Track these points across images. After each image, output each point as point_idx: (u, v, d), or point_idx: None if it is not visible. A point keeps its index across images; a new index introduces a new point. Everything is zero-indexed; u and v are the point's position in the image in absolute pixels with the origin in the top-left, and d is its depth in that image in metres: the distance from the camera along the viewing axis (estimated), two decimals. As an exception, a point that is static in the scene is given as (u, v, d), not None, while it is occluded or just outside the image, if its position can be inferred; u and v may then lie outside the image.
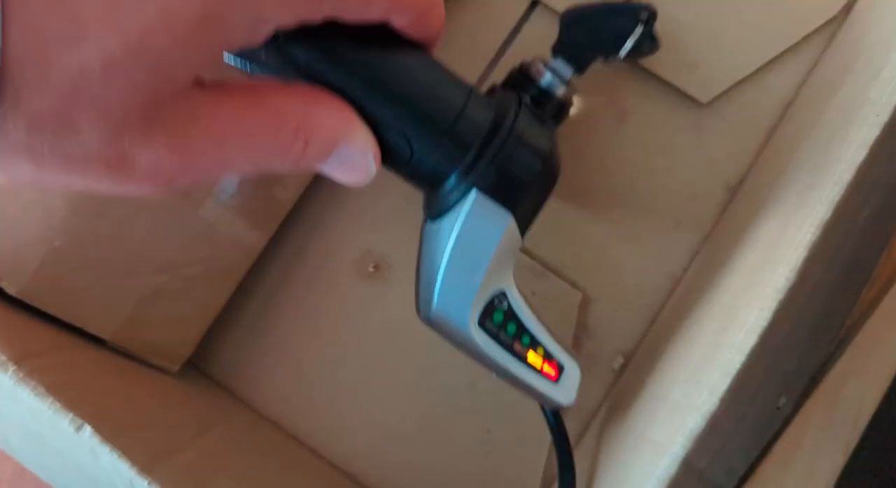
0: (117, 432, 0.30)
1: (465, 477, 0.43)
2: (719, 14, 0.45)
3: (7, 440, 0.35)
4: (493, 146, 0.30)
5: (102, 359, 0.36)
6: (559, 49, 0.36)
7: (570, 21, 0.35)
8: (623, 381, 0.42)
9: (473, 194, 0.30)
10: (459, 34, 0.47)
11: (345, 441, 0.43)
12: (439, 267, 0.31)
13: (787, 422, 0.40)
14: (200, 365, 0.44)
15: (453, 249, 0.31)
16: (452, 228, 0.30)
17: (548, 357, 0.34)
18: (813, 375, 0.41)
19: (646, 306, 0.44)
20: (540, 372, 0.33)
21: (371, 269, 0.44)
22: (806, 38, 0.46)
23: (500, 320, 0.33)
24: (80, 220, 0.34)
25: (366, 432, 0.43)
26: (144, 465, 0.29)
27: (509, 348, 0.33)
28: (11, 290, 0.34)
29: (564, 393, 0.34)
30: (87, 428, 0.29)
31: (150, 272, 0.37)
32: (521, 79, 0.36)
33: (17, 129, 0.19)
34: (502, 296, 0.32)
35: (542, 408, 0.37)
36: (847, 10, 0.46)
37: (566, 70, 0.36)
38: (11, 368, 0.29)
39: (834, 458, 0.40)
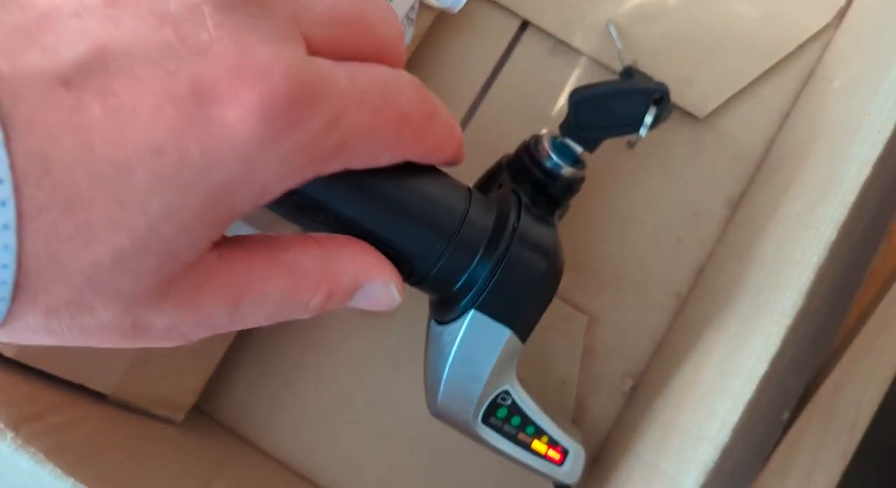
0: (121, 493, 0.29)
1: (478, 509, 0.42)
2: (712, 28, 0.45)
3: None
4: (496, 255, 0.30)
5: (104, 415, 0.35)
6: (568, 130, 0.35)
7: (580, 101, 0.34)
8: (633, 406, 0.41)
9: (471, 314, 0.31)
10: (450, 59, 0.46)
11: (355, 477, 0.43)
12: (442, 374, 0.32)
13: (784, 431, 0.40)
14: (205, 409, 0.44)
15: (454, 361, 0.31)
16: (454, 342, 0.31)
17: (552, 443, 0.35)
18: (809, 383, 0.41)
19: (653, 327, 0.43)
20: (545, 457, 0.35)
21: (372, 303, 0.44)
22: (800, 47, 0.45)
23: (504, 415, 0.34)
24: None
25: (375, 468, 0.43)
26: (150, 527, 0.29)
27: (514, 438, 0.34)
28: (8, 352, 0.33)
29: (570, 474, 0.35)
30: (90, 493, 0.29)
31: (148, 323, 0.36)
32: (528, 158, 0.36)
33: (36, 317, 0.20)
34: (506, 393, 0.33)
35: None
36: (841, 15, 0.45)
37: (575, 150, 0.35)
38: (10, 435, 0.29)
39: (832, 464, 0.40)
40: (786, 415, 0.38)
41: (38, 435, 0.30)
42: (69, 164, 0.19)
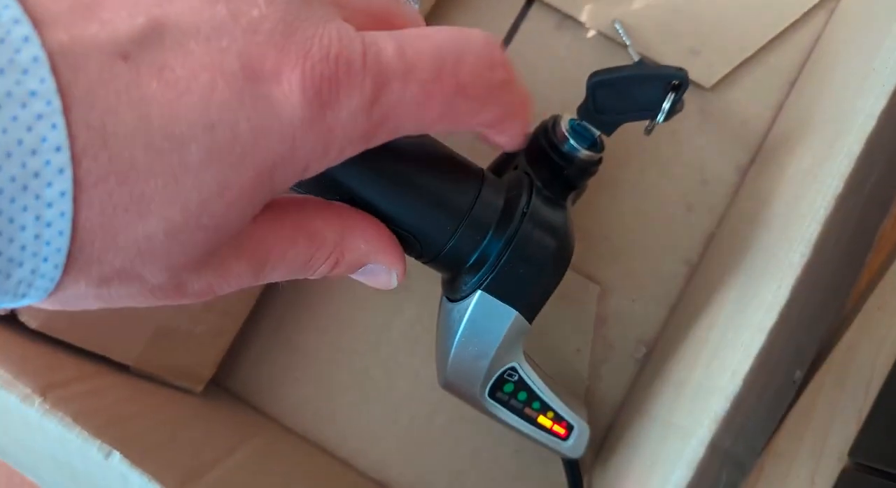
0: (146, 456, 0.30)
1: (496, 475, 0.43)
2: (716, -4, 0.45)
3: (38, 473, 0.35)
4: (504, 237, 0.31)
5: (127, 385, 0.36)
6: (585, 113, 0.35)
7: (598, 85, 0.34)
8: (646, 370, 0.42)
9: (478, 294, 0.31)
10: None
11: (374, 449, 0.43)
12: (450, 349, 0.33)
13: (798, 393, 0.40)
14: (225, 383, 0.45)
15: (461, 338, 0.32)
16: (461, 320, 0.32)
17: (557, 419, 0.36)
18: (822, 345, 0.41)
19: (664, 294, 0.43)
20: (550, 431, 0.36)
21: (387, 277, 0.44)
22: (807, 14, 0.45)
23: (510, 390, 0.35)
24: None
25: (394, 439, 0.43)
26: (175, 486, 0.29)
27: (520, 413, 0.36)
28: (32, 324, 0.34)
29: (574, 448, 0.36)
30: (116, 455, 0.29)
31: (168, 295, 0.37)
32: (545, 141, 0.36)
33: (87, 286, 0.21)
34: (512, 370, 0.34)
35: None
36: (845, -18, 0.45)
37: (592, 133, 0.36)
38: (37, 400, 0.30)
39: (846, 427, 0.40)
40: (798, 375, 0.38)
41: (64, 400, 0.31)
42: (127, 137, 0.19)
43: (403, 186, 0.29)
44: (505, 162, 0.39)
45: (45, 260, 0.19)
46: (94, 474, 0.31)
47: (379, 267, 0.29)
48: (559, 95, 0.45)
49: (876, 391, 0.40)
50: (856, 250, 0.41)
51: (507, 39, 0.47)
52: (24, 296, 0.20)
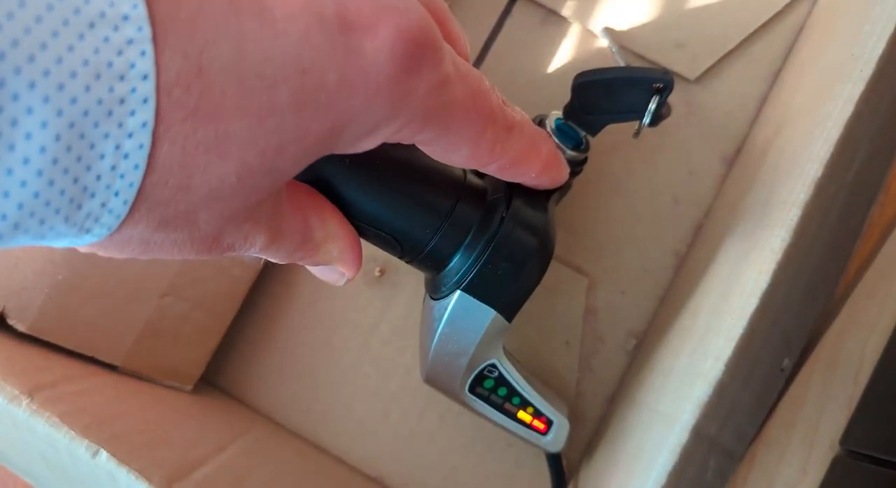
0: (134, 454, 0.30)
1: (489, 469, 0.43)
2: (698, -12, 0.45)
3: (31, 472, 0.36)
4: (484, 239, 0.31)
5: (116, 385, 0.36)
6: (570, 113, 0.35)
7: (583, 86, 0.34)
8: (636, 362, 0.42)
9: (458, 294, 0.32)
10: (442, 34, 0.47)
11: (366, 445, 0.44)
12: (430, 346, 0.33)
13: (789, 382, 0.40)
14: (216, 381, 0.45)
15: (440, 336, 0.33)
16: (442, 318, 0.32)
17: (537, 414, 0.37)
18: (812, 333, 0.41)
19: (653, 286, 0.43)
20: (530, 426, 0.37)
21: (377, 274, 0.44)
22: (790, 4, 0.46)
23: (490, 386, 0.36)
24: (79, 254, 0.35)
25: (386, 434, 0.44)
26: (162, 485, 0.30)
27: (500, 408, 0.36)
28: (21, 327, 0.34)
29: (553, 442, 0.37)
30: (103, 454, 0.29)
31: (154, 296, 0.37)
32: None
33: (145, 229, 0.21)
34: (492, 366, 0.35)
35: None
36: (827, -29, 0.46)
37: (577, 133, 0.36)
38: (25, 401, 0.30)
39: (837, 414, 0.40)
40: (786, 362, 0.39)
41: (52, 400, 0.31)
42: (222, 71, 0.19)
43: (387, 188, 0.30)
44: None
45: (117, 194, 0.19)
46: (84, 473, 0.31)
47: (335, 271, 0.30)
48: (545, 92, 0.46)
49: (866, 378, 0.41)
50: (842, 237, 0.41)
51: (492, 36, 0.47)
52: (87, 231, 0.20)
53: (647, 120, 0.34)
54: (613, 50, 0.44)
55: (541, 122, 0.36)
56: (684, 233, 0.44)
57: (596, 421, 0.43)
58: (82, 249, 0.21)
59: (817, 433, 0.41)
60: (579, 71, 0.35)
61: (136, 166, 0.19)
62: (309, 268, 0.30)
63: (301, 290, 0.45)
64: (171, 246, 0.22)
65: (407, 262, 0.33)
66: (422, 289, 0.44)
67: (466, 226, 0.31)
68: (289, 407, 0.44)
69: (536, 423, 0.37)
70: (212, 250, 0.23)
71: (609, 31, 0.45)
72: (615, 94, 0.34)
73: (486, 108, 0.26)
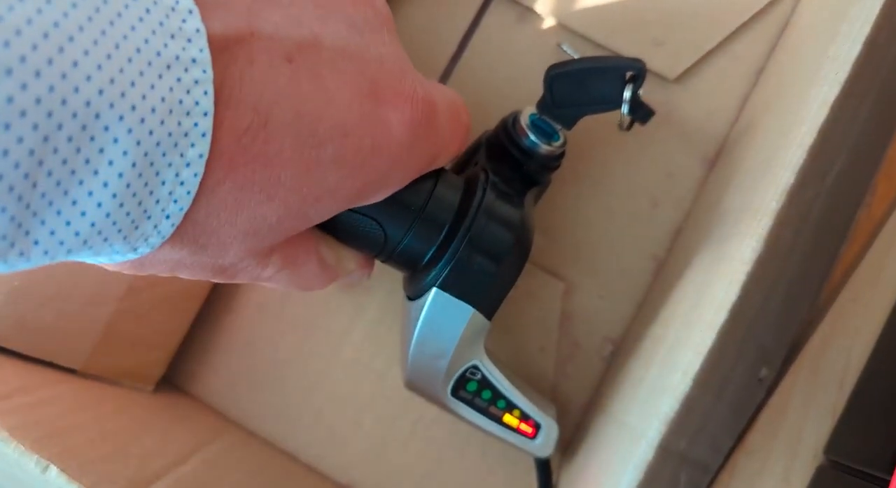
0: (86, 469, 0.29)
1: (463, 477, 0.42)
2: (679, -15, 0.44)
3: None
4: (460, 233, 0.30)
5: (75, 393, 0.35)
6: (544, 107, 0.35)
7: (554, 80, 0.34)
8: (612, 368, 0.41)
9: (434, 292, 0.31)
10: (418, 31, 0.46)
11: (338, 452, 0.43)
12: (409, 348, 0.33)
13: (770, 391, 0.39)
14: (186, 387, 0.44)
15: (418, 337, 0.32)
16: (419, 317, 0.32)
17: (524, 417, 0.35)
18: (794, 342, 0.40)
19: (631, 290, 0.42)
20: (517, 430, 0.36)
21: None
22: (773, 2, 0.44)
23: (474, 388, 0.34)
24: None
25: (358, 441, 0.43)
26: (114, 500, 0.29)
27: (485, 412, 0.35)
28: (-25, 334, 0.34)
29: (542, 447, 0.36)
30: (53, 469, 0.29)
31: (113, 300, 0.37)
32: (505, 137, 0.35)
33: (181, 252, 0.23)
34: (475, 368, 0.34)
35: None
36: (812, -32, 0.44)
37: (552, 127, 0.35)
38: (-27, 415, 0.29)
39: (821, 423, 0.39)
40: (764, 373, 0.38)
41: (4, 413, 0.30)
42: (283, 125, 0.22)
43: None
44: (467, 159, 0.38)
45: (168, 217, 0.21)
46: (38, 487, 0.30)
47: (355, 275, 0.32)
48: (522, 89, 0.45)
49: (851, 386, 0.40)
50: (824, 242, 0.40)
51: (468, 34, 0.46)
52: (135, 250, 0.21)
53: (625, 109, 0.34)
54: (566, 49, 0.43)
55: (515, 119, 0.36)
56: (663, 237, 0.43)
57: (571, 429, 0.42)
58: (112, 267, 0.24)
59: (800, 442, 0.40)
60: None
61: (189, 193, 0.21)
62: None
63: (272, 295, 0.44)
64: (195, 268, 0.24)
65: (382, 261, 0.32)
66: (395, 294, 0.44)
67: (440, 221, 0.31)
68: (259, 414, 0.43)
69: (524, 427, 0.35)
70: (225, 274, 0.26)
71: (566, 34, 0.44)
72: (587, 85, 0.34)
73: (464, 124, 0.31)
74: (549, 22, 0.45)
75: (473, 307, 0.31)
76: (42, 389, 0.34)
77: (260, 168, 0.22)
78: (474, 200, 0.31)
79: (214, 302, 0.44)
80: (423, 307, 0.31)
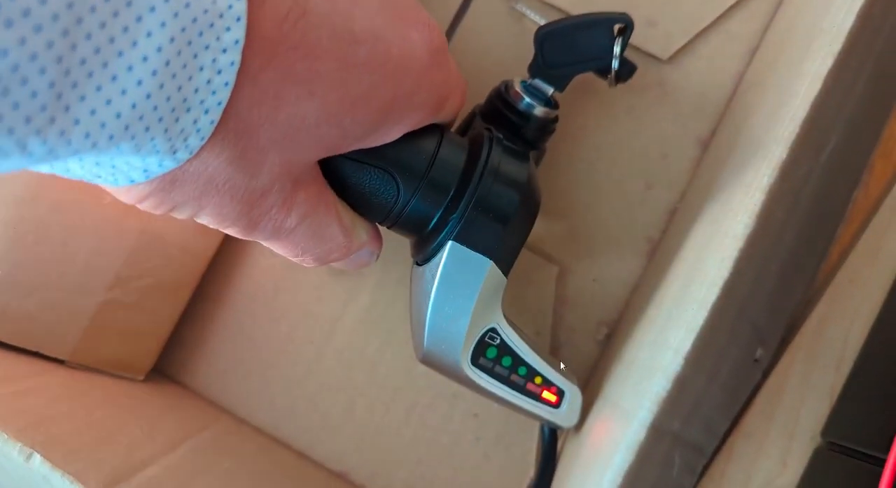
0: (70, 457, 0.29)
1: (456, 464, 0.42)
2: (671, -37, 0.44)
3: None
4: (469, 187, 0.30)
5: (63, 383, 0.35)
6: (536, 70, 0.34)
7: (544, 39, 0.33)
8: (607, 351, 0.41)
9: (450, 245, 0.30)
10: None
11: (331, 440, 0.42)
12: (426, 314, 0.31)
13: (767, 373, 0.39)
14: (177, 377, 0.44)
15: (436, 297, 0.31)
16: (434, 277, 0.31)
17: (546, 384, 0.34)
18: (791, 322, 0.40)
19: (625, 273, 0.42)
20: (540, 399, 0.34)
21: (341, 264, 0.43)
22: (767, -21, 0.44)
23: (493, 355, 0.33)
24: (19, 249, 0.34)
25: (351, 428, 0.42)
26: None
27: (506, 380, 0.34)
28: (-38, 324, 0.33)
29: (567, 416, 0.35)
30: (37, 457, 0.28)
31: (101, 288, 0.36)
32: (500, 103, 0.35)
33: (219, 161, 0.23)
34: (493, 332, 0.33)
35: (541, 426, 0.38)
36: (806, -56, 0.44)
37: (545, 90, 0.35)
38: (-44, 403, 0.29)
39: (819, 404, 0.38)
40: (760, 353, 0.37)
41: (-11, 402, 0.30)
42: (321, 16, 0.23)
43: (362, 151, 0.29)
44: (468, 124, 0.38)
45: (206, 111, 0.21)
46: (22, 476, 0.30)
47: (366, 251, 0.32)
48: (512, 73, 0.44)
49: (848, 367, 0.39)
50: (820, 221, 0.40)
51: (458, 18, 0.45)
52: (174, 152, 0.21)
53: (615, 64, 0.34)
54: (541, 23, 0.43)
55: (507, 85, 0.35)
56: (657, 219, 0.42)
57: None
58: (137, 193, 0.23)
59: (798, 424, 0.39)
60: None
61: (227, 84, 0.21)
62: (340, 265, 0.32)
63: (264, 282, 0.44)
64: (224, 194, 0.24)
65: (388, 227, 0.32)
66: (386, 281, 0.43)
67: (447, 181, 0.30)
68: (251, 403, 0.43)
69: (547, 395, 0.34)
70: (253, 208, 0.25)
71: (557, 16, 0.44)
72: (577, 42, 0.34)
73: (462, 78, 0.32)
74: (539, 5, 0.44)
75: (491, 259, 0.31)
76: (28, 379, 0.34)
77: (300, 58, 0.22)
78: (481, 156, 0.31)
79: (205, 291, 0.44)
80: (439, 264, 0.31)
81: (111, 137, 0.19)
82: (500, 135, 0.33)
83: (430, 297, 0.31)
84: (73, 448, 0.30)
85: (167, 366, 0.43)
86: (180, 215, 0.25)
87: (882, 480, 0.31)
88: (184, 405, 0.41)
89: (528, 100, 0.34)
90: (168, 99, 0.19)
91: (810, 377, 0.40)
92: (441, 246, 0.30)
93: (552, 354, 0.42)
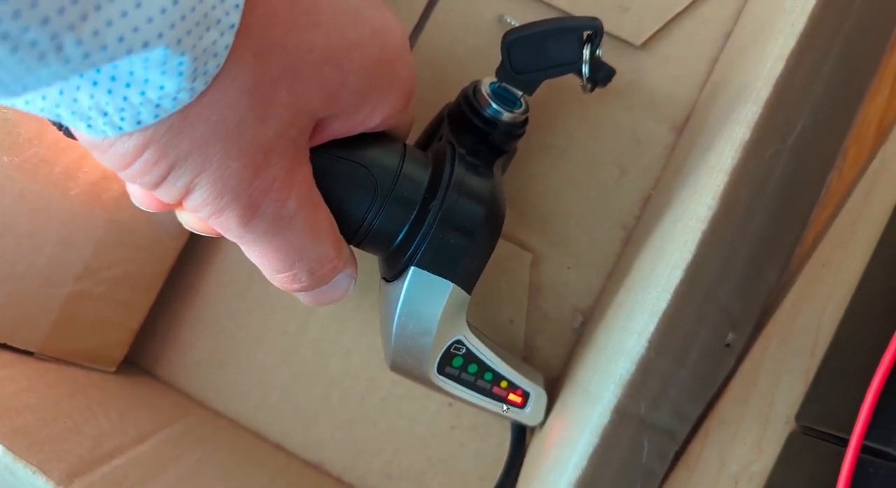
0: (34, 448, 0.29)
1: (432, 452, 0.41)
2: (643, -52, 0.43)
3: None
4: (433, 205, 0.30)
5: (31, 375, 0.35)
6: (504, 74, 0.34)
7: (512, 45, 0.33)
8: (582, 339, 0.40)
9: (412, 271, 0.31)
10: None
11: (306, 430, 0.42)
12: (391, 331, 0.32)
13: (741, 358, 0.38)
14: (151, 368, 0.43)
15: (399, 318, 0.32)
16: (398, 298, 0.31)
17: (512, 387, 0.35)
18: (765, 307, 0.39)
19: (600, 260, 0.42)
20: (506, 400, 0.35)
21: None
22: (741, -37, 0.44)
23: (459, 363, 0.34)
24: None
25: (326, 418, 0.42)
26: (62, 479, 0.28)
27: (473, 386, 0.35)
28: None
29: (532, 416, 0.36)
30: (0, 448, 0.28)
31: (69, 280, 0.36)
32: (468, 108, 0.35)
33: (234, 91, 0.22)
34: (458, 343, 0.34)
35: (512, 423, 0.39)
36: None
37: (513, 94, 0.34)
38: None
39: (793, 389, 0.38)
40: (731, 338, 0.37)
41: (-49, 395, 0.29)
42: None
43: (323, 169, 0.29)
44: (430, 134, 0.37)
45: (222, 34, 0.21)
46: (-14, 467, 0.30)
47: (346, 275, 0.31)
48: (486, 61, 0.44)
49: (822, 351, 0.39)
50: (793, 206, 0.40)
51: (430, 5, 0.45)
52: (195, 78, 0.21)
53: (585, 70, 0.33)
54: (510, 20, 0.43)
55: (475, 89, 0.35)
56: (631, 205, 0.42)
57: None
58: (140, 140, 0.22)
59: (772, 409, 0.39)
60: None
61: (237, 6, 0.21)
62: (318, 295, 0.31)
63: (237, 273, 0.44)
64: (233, 147, 0.23)
65: (355, 244, 0.32)
66: (361, 270, 0.43)
67: (410, 199, 0.30)
68: (225, 394, 0.43)
69: (513, 397, 0.35)
70: (257, 175, 0.24)
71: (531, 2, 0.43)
72: (545, 48, 0.33)
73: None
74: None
75: (453, 282, 0.31)
76: (-5, 371, 0.33)
77: (303, 14, 0.24)
78: (444, 175, 0.31)
79: (178, 281, 0.43)
80: (402, 287, 0.31)
81: (146, 44, 0.19)
82: (464, 151, 0.33)
83: (394, 317, 0.32)
84: (37, 439, 0.30)
85: (139, 357, 0.43)
86: (176, 182, 0.24)
87: (844, 463, 0.31)
88: (156, 396, 0.41)
89: (495, 105, 0.34)
90: (193, 9, 0.19)
91: (784, 361, 0.40)
92: (405, 269, 0.31)
93: (527, 343, 0.42)
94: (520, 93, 0.35)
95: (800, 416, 0.38)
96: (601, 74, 0.34)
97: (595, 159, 0.42)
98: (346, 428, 0.42)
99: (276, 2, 0.23)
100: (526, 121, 0.36)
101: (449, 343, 0.33)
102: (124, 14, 0.18)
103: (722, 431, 0.39)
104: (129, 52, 0.19)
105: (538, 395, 0.36)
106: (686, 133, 0.42)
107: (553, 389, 0.41)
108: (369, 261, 0.43)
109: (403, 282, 0.31)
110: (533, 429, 0.39)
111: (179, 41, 0.20)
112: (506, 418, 0.37)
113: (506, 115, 0.34)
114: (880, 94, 0.43)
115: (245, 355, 0.43)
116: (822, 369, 0.39)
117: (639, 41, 0.43)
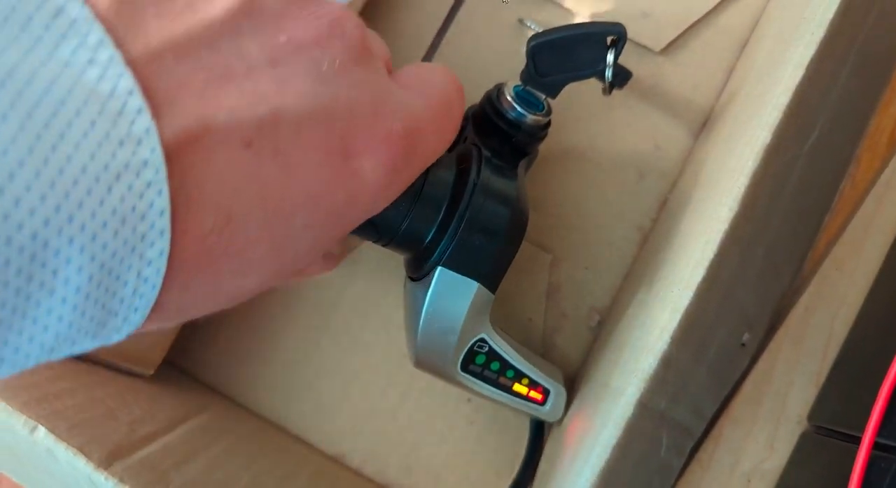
0: (74, 431, 0.30)
1: (451, 446, 0.42)
2: (663, -43, 0.44)
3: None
4: (459, 207, 0.31)
5: (65, 362, 0.36)
6: (528, 78, 0.35)
7: (536, 50, 0.34)
8: (599, 338, 0.41)
9: (438, 271, 0.31)
10: (404, 4, 0.46)
11: (326, 423, 0.43)
12: (417, 329, 0.33)
13: (755, 359, 0.39)
14: (176, 361, 0.44)
15: (425, 317, 0.32)
16: (425, 297, 0.32)
17: (533, 385, 0.36)
18: (778, 309, 0.40)
19: (617, 261, 0.43)
20: (527, 398, 0.36)
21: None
22: (758, -27, 0.45)
23: (482, 361, 0.35)
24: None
25: (346, 412, 0.43)
26: (102, 461, 0.29)
27: (495, 383, 0.36)
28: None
29: (552, 412, 0.37)
30: (41, 430, 0.29)
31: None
32: (491, 110, 0.36)
33: (153, 324, 0.22)
34: (482, 341, 0.34)
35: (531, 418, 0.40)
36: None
37: (536, 97, 0.35)
38: (-42, 377, 0.29)
39: (805, 390, 0.39)
40: (747, 337, 0.38)
41: (-10, 378, 0.30)
42: (247, 216, 0.22)
43: None
44: (462, 127, 0.38)
45: (136, 310, 0.21)
46: (25, 449, 0.31)
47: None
48: (508, 65, 0.45)
49: (834, 353, 0.40)
50: (806, 210, 0.41)
51: (454, 10, 0.46)
52: (107, 339, 0.21)
53: (608, 74, 0.34)
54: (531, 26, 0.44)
55: (499, 92, 0.36)
56: (649, 208, 0.43)
57: (559, 398, 0.42)
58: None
59: (784, 409, 0.40)
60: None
61: (154, 287, 0.20)
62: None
63: (261, 268, 0.45)
64: (232, 259, 0.23)
65: (383, 246, 0.33)
66: (382, 266, 0.44)
67: (438, 201, 0.31)
68: (247, 387, 0.44)
69: (533, 394, 0.36)
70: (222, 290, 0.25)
71: (552, 7, 0.44)
72: (570, 53, 0.34)
73: (454, 119, 0.30)
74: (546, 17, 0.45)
75: (478, 282, 0.32)
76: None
77: (231, 259, 0.22)
78: (469, 177, 0.32)
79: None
80: (428, 287, 0.32)
81: (38, 359, 0.19)
82: (489, 154, 0.33)
83: (420, 315, 0.33)
84: (76, 423, 0.30)
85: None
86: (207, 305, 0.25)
87: (858, 457, 0.32)
88: (181, 387, 0.42)
89: (519, 108, 0.35)
90: (92, 318, 0.19)
91: (797, 362, 0.40)
92: (431, 270, 0.32)
93: (545, 341, 0.42)
94: (543, 96, 0.36)
95: (812, 416, 0.39)
96: (619, 78, 0.35)
97: (615, 163, 0.43)
98: (366, 421, 0.43)
99: (196, 282, 0.22)
100: (549, 123, 0.37)
101: (473, 341, 0.34)
102: (16, 351, 0.18)
103: (735, 430, 0.40)
104: (23, 368, 0.19)
105: (558, 392, 0.36)
106: (702, 138, 0.43)
107: (571, 386, 0.42)
108: (386, 259, 0.44)
109: (430, 282, 0.32)
110: (551, 425, 0.40)
111: (75, 343, 0.20)
112: (526, 414, 0.38)
113: (530, 118, 0.35)
114: (893, 103, 0.43)
115: (267, 349, 0.44)
116: (833, 370, 0.40)
117: (659, 47, 0.44)
